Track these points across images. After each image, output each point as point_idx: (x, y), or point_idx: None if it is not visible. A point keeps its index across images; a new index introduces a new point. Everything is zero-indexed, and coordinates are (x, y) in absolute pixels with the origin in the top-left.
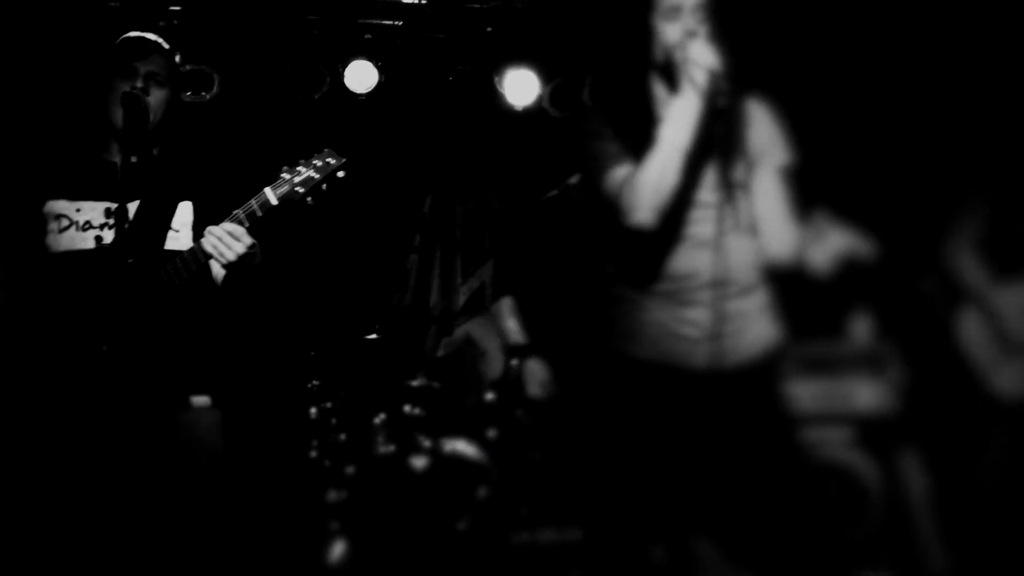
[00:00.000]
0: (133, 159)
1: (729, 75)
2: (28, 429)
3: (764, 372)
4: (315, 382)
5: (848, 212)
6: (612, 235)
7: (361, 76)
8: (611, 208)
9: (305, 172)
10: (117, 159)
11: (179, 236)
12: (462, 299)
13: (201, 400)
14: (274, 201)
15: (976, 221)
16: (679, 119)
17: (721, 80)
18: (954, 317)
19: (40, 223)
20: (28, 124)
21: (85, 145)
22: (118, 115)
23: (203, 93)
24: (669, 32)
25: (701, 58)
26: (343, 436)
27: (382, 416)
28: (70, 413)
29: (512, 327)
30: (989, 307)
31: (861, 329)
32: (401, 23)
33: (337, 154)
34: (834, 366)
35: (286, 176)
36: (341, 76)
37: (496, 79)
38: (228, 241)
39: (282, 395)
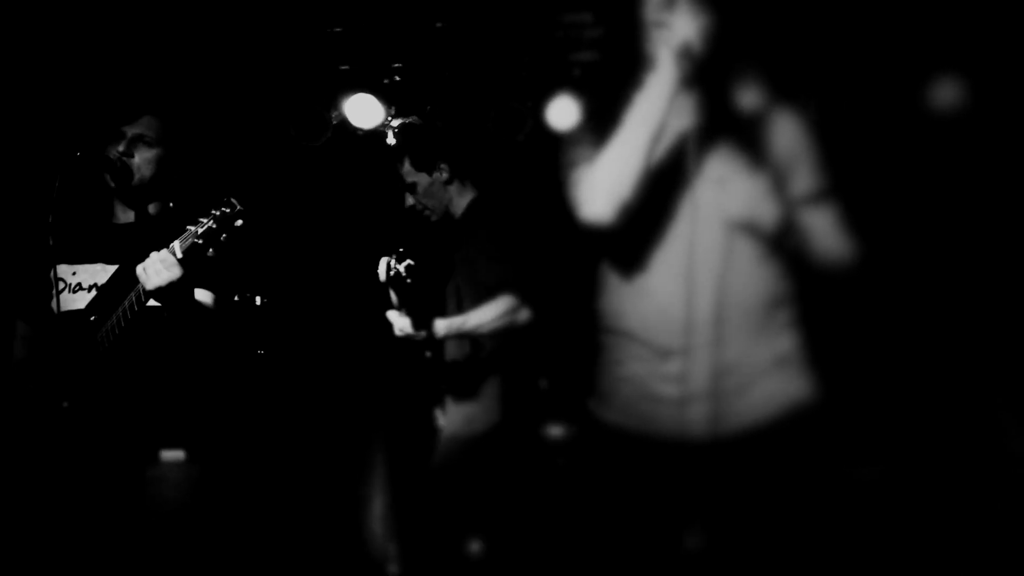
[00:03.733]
0: (129, 219)
1: (716, 48)
2: None
3: (781, 443)
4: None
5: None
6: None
7: (565, 113)
8: (573, 209)
9: (205, 223)
10: (121, 220)
11: None
12: None
13: (173, 454)
14: (178, 254)
15: None
16: (647, 98)
17: (696, 54)
18: None
19: (48, 287)
20: (50, 191)
21: (94, 209)
22: (108, 178)
23: None
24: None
25: (676, 27)
26: None
27: None
28: (32, 470)
29: None
30: None
31: None
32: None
33: (235, 203)
34: None
35: (190, 228)
36: (544, 115)
37: None
38: (156, 267)
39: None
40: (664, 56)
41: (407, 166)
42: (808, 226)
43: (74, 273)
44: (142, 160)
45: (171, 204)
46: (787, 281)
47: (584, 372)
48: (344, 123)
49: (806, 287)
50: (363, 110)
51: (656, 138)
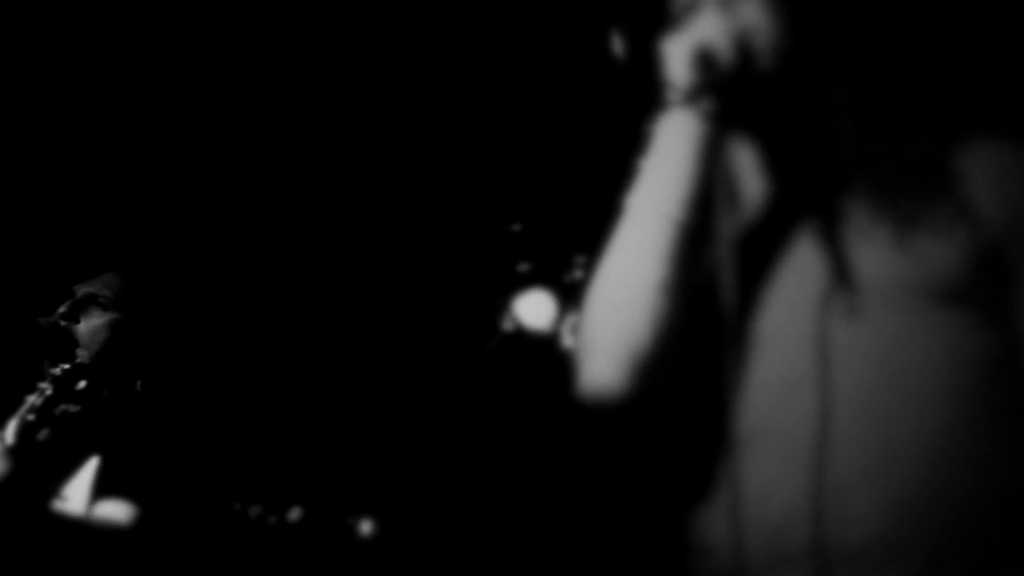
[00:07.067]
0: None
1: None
2: None
3: None
4: None
5: None
6: None
7: None
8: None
9: (40, 390)
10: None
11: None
12: None
13: None
14: (9, 440)
15: None
16: (656, 162)
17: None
18: None
19: None
20: None
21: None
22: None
23: None
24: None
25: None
26: None
27: None
28: None
29: None
30: None
31: None
32: None
33: (80, 352)
34: None
35: (27, 399)
36: None
37: None
38: None
39: None
40: (672, 102)
41: None
42: None
43: None
44: (87, 327)
45: (138, 385)
46: None
47: None
48: (517, 326)
49: None
50: (537, 309)
51: (688, 230)
